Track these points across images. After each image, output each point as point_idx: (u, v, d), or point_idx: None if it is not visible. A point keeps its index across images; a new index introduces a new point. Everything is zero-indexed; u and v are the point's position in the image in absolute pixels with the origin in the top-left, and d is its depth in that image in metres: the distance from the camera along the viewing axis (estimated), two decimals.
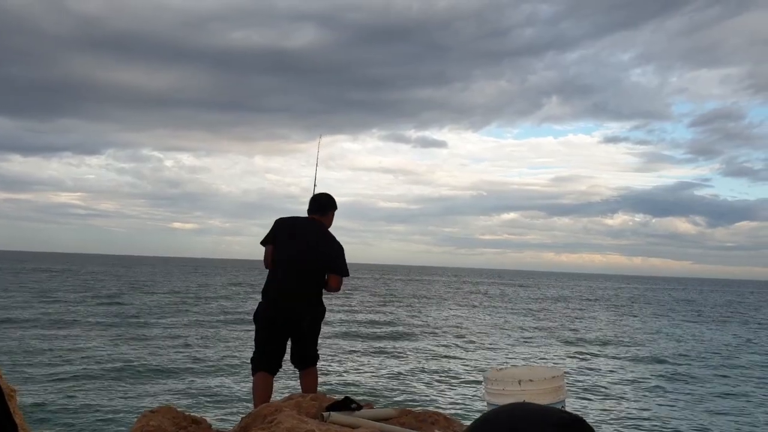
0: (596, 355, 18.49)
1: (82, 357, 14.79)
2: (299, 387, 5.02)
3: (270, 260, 4.90)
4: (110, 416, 9.82)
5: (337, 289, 4.97)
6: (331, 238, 4.93)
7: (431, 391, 12.49)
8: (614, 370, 16.05)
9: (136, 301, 31.09)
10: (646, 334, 25.19)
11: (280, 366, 4.89)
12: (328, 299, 5.01)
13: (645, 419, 11.02)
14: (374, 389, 12.46)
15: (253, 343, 4.98)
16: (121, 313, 25.16)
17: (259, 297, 4.96)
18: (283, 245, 4.82)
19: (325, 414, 3.90)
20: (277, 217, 5.03)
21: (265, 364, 4.78)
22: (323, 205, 5.00)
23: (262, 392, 4.66)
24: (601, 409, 11.51)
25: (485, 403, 3.75)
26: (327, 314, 5.05)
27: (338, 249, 4.91)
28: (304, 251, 4.76)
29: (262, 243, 4.93)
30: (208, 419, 4.13)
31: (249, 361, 4.92)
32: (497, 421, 0.92)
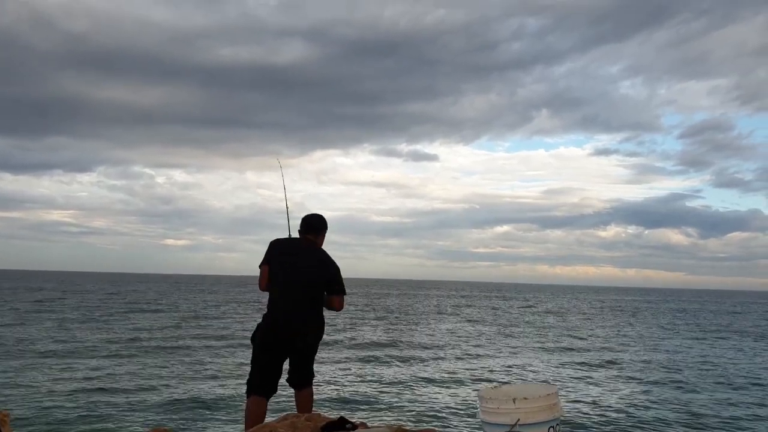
0: (596, 371, 18.43)
1: (77, 378, 14.69)
2: (294, 405, 5.04)
3: (266, 282, 4.91)
4: None
5: (341, 308, 4.97)
6: (329, 259, 4.95)
7: (426, 409, 12.44)
8: (615, 386, 15.95)
9: (130, 322, 30.91)
10: (648, 349, 25.09)
11: (275, 390, 4.87)
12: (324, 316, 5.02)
13: None
14: (369, 408, 12.40)
15: (249, 364, 4.98)
16: (116, 334, 25.03)
17: (257, 316, 4.99)
18: (281, 267, 4.84)
19: None
20: (273, 239, 5.03)
21: (260, 387, 4.77)
22: (316, 226, 5.03)
23: (254, 417, 4.64)
24: (598, 425, 11.48)
25: (480, 422, 3.76)
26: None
27: (336, 269, 4.93)
28: (303, 273, 4.78)
29: (260, 265, 4.93)
30: None
31: (245, 382, 4.88)
32: None
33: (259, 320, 4.96)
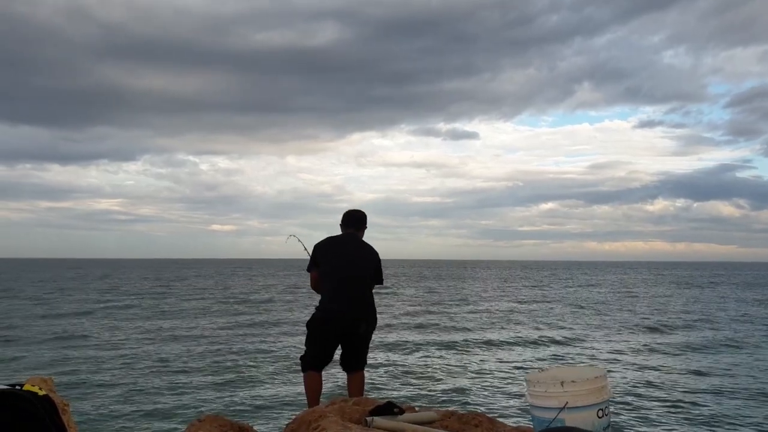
0: (659, 351, 17.88)
1: (131, 367, 15.11)
2: (345, 388, 5.26)
3: (317, 284, 5.24)
4: (158, 426, 10.01)
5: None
6: (373, 250, 5.30)
7: (474, 392, 12.44)
8: (677, 369, 15.46)
9: (185, 306, 31.59)
10: (719, 329, 24.33)
11: (327, 363, 5.22)
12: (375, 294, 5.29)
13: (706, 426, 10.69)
14: (416, 391, 12.46)
15: (302, 344, 5.32)
16: (168, 320, 25.61)
17: (306, 301, 5.24)
18: (335, 264, 5.13)
19: (369, 419, 3.94)
20: (316, 242, 5.32)
21: (314, 365, 5.12)
22: (360, 220, 5.40)
23: (315, 388, 5.04)
24: (651, 409, 11.30)
25: (528, 405, 3.75)
26: None
27: (380, 261, 5.29)
28: (358, 266, 5.14)
29: (308, 269, 5.26)
30: (254, 427, 4.20)
31: (299, 358, 5.25)
32: None
33: (312, 309, 5.26)
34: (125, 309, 31.72)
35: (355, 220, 5.36)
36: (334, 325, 5.05)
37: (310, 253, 5.46)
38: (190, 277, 78.97)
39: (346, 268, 5.09)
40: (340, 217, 5.46)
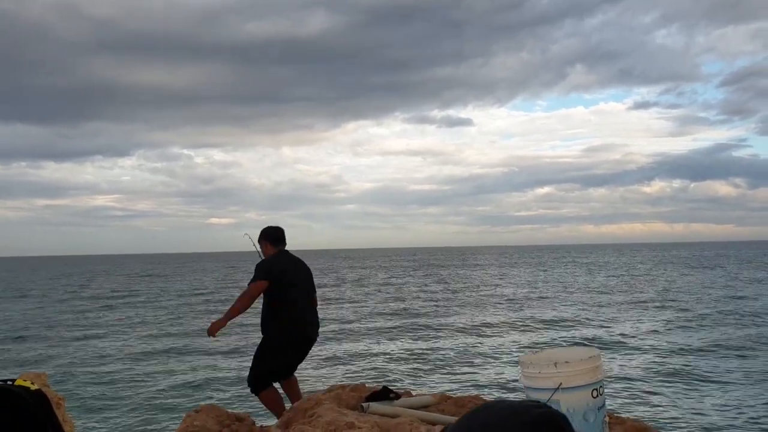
0: (670, 334, 17.61)
1: (128, 361, 15.12)
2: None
3: (261, 292, 5.38)
4: (155, 418, 10.03)
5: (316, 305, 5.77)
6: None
7: (470, 376, 12.49)
8: (674, 348, 15.50)
9: (185, 301, 31.58)
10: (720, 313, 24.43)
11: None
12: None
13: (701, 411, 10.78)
14: (412, 376, 12.50)
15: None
16: (164, 316, 25.61)
17: None
18: (297, 278, 5.46)
19: (365, 405, 3.96)
20: (271, 256, 5.51)
21: (275, 379, 5.43)
22: (283, 237, 5.68)
23: (278, 400, 5.33)
24: (642, 391, 11.37)
25: (523, 387, 3.77)
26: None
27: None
28: (308, 281, 5.54)
29: (263, 279, 5.27)
30: (250, 416, 4.21)
31: (249, 380, 5.39)
32: (472, 418, 0.93)
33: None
34: (125, 306, 31.70)
35: (281, 238, 5.64)
36: (309, 343, 5.40)
37: (259, 250, 5.64)
38: (191, 272, 78.77)
39: (304, 285, 5.47)
40: (260, 232, 5.67)
